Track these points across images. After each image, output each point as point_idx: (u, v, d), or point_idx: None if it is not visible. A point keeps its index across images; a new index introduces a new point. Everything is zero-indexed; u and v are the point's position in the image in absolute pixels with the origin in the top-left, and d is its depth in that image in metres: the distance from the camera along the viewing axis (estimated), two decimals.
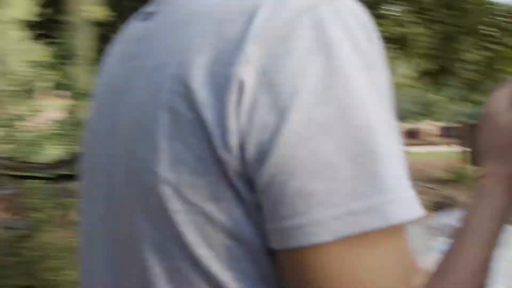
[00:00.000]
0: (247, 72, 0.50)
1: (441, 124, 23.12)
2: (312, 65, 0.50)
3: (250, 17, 0.52)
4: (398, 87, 9.70)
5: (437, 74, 8.43)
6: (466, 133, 12.00)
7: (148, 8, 0.68)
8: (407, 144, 19.12)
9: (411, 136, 22.24)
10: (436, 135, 22.11)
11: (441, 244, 1.80)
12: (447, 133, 21.06)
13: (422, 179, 11.84)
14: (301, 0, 0.52)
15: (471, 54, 8.34)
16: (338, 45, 0.51)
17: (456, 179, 12.03)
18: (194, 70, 0.53)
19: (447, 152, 16.17)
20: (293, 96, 0.50)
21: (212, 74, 0.52)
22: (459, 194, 10.29)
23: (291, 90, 0.50)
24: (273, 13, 0.52)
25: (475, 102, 9.20)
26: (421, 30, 7.53)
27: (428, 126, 22.73)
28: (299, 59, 0.50)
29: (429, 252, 1.83)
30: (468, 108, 10.87)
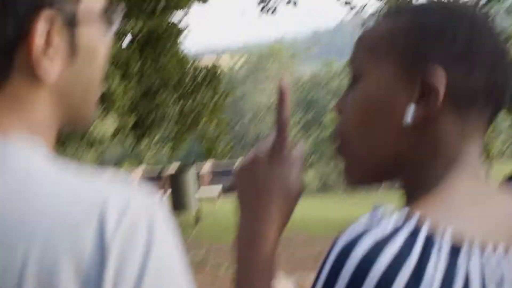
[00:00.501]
0: (109, 273, 0.60)
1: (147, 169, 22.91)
2: (149, 259, 0.62)
3: (100, 224, 0.62)
4: (104, 140, 9.57)
5: (137, 127, 8.92)
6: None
7: None
8: None
9: None
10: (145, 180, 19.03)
11: None
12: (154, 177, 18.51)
13: None
14: (137, 207, 0.64)
15: (170, 107, 9.03)
16: (165, 242, 0.65)
17: None
18: (62, 277, 0.60)
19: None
20: (136, 284, 0.61)
21: (80, 282, 0.60)
22: None
23: (135, 281, 0.61)
24: (118, 219, 0.62)
25: (175, 149, 9.64)
26: (122, 85, 8.01)
27: (136, 172, 21.94)
28: (139, 255, 0.62)
29: None
30: (172, 153, 8.44)
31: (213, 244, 10.07)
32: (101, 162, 27.47)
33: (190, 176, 11.42)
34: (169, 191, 11.48)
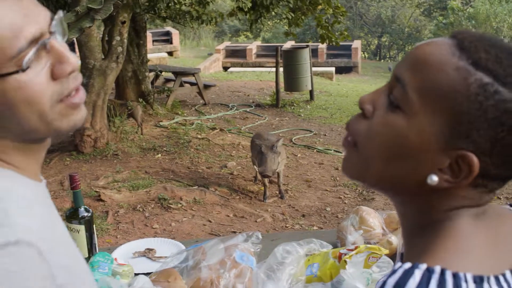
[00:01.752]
0: None
1: (263, 43, 22.00)
2: None
3: None
4: (227, 16, 9.87)
5: (253, 9, 8.85)
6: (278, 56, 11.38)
7: None
8: (232, 64, 19.71)
9: (236, 55, 20.76)
10: (260, 55, 20.69)
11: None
12: (269, 53, 18.63)
13: (241, 102, 11.70)
14: None
15: None
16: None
17: (271, 102, 11.70)
18: None
19: (269, 73, 15.40)
20: None
21: None
22: (273, 118, 10.79)
23: None
24: None
25: (291, 29, 9.52)
26: None
27: (253, 45, 21.07)
28: None
29: None
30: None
31: (325, 123, 10.25)
32: (218, 34, 27.81)
33: (305, 54, 11.34)
34: (283, 68, 11.51)
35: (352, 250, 1.76)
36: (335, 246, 1.96)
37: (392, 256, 1.93)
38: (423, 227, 0.83)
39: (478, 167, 0.76)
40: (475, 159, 0.76)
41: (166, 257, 2.06)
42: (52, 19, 0.85)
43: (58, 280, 0.80)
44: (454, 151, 0.77)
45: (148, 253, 2.16)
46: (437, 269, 0.73)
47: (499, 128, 0.75)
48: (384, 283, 0.74)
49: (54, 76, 0.83)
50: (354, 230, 1.97)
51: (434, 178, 0.78)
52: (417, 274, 0.73)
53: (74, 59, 0.85)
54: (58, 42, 0.84)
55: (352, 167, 0.88)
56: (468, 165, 0.76)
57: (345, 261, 1.73)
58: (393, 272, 0.75)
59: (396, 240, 1.95)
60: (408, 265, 0.75)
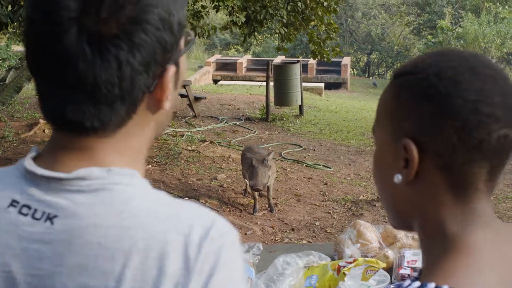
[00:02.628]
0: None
1: (254, 57, 22.36)
2: (210, 283, 0.72)
3: (185, 245, 0.72)
4: (220, 30, 10.11)
5: (247, 23, 8.96)
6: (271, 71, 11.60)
7: (34, 204, 0.74)
8: (222, 77, 20.25)
9: (226, 68, 21.02)
10: (250, 69, 20.92)
11: None
12: (259, 67, 18.56)
13: (231, 115, 11.73)
14: (216, 234, 0.75)
15: (281, 7, 8.88)
16: (230, 270, 0.74)
17: (261, 116, 11.74)
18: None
19: (260, 87, 15.45)
20: None
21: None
22: (263, 132, 10.78)
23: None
24: (200, 243, 0.74)
25: (282, 44, 9.58)
26: None
27: (243, 59, 21.31)
28: (203, 278, 0.71)
29: None
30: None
31: (314, 139, 10.29)
32: (209, 47, 27.87)
33: (296, 69, 11.42)
34: (273, 82, 11.56)
35: (350, 263, 1.80)
36: (332, 259, 2.00)
37: (389, 270, 1.97)
38: (432, 242, 0.85)
39: (415, 149, 0.81)
40: (406, 140, 0.82)
41: None
42: None
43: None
44: (400, 148, 0.83)
45: None
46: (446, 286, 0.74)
47: (414, 105, 0.82)
48: None
49: None
50: (352, 243, 2.01)
51: (399, 177, 0.84)
52: None
53: None
54: None
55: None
56: (407, 153, 0.82)
57: (344, 274, 1.76)
58: None
59: (392, 254, 1.99)
60: (417, 284, 0.78)
